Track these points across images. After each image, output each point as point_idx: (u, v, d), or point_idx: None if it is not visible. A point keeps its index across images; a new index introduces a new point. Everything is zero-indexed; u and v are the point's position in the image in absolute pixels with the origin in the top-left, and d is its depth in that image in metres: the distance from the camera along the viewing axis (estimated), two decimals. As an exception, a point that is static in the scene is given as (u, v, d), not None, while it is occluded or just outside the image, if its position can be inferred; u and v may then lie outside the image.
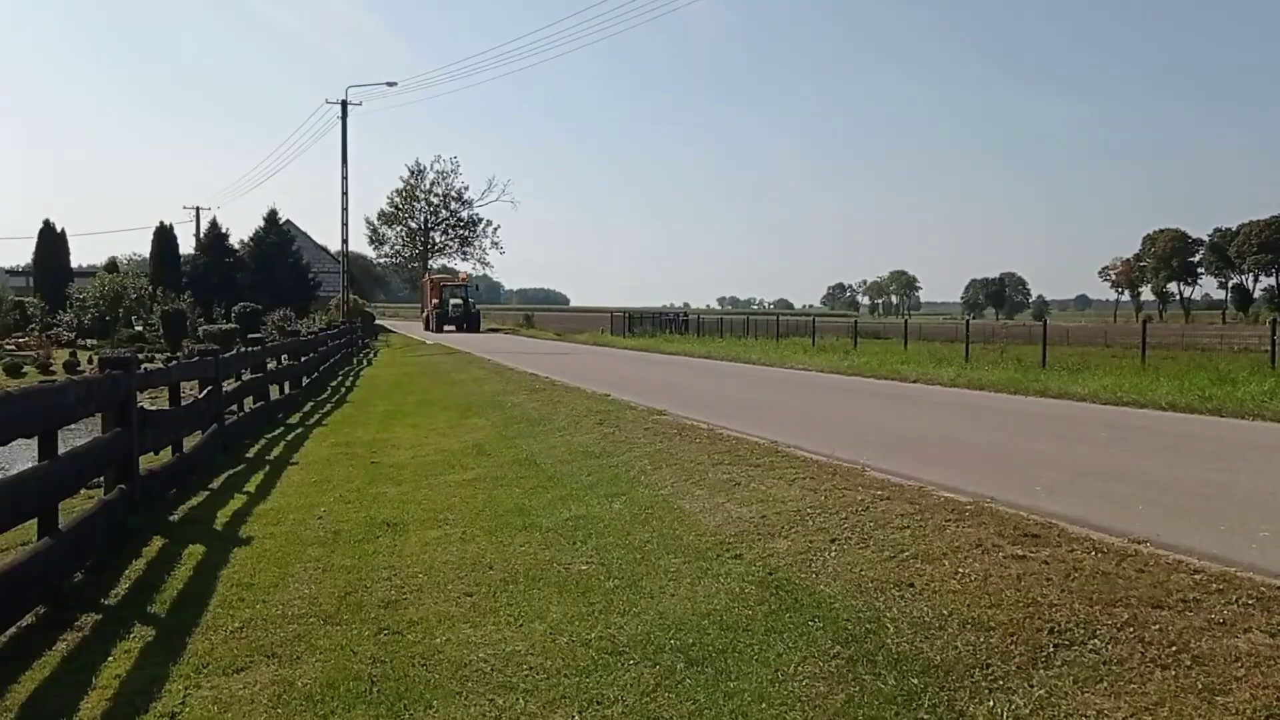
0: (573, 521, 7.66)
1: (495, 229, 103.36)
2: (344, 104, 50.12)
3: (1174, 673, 3.81)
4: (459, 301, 64.13)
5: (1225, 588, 4.65)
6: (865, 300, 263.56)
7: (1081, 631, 4.29)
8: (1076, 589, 4.80)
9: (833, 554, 5.91)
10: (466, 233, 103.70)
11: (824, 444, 9.76)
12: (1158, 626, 4.24)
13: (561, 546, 7.00)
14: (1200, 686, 3.68)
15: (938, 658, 4.26)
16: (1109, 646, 4.11)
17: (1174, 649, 4.00)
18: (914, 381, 19.24)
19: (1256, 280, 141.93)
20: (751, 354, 30.19)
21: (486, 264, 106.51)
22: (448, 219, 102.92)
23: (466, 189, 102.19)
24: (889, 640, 4.52)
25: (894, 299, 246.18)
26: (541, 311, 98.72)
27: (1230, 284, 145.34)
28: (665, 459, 9.59)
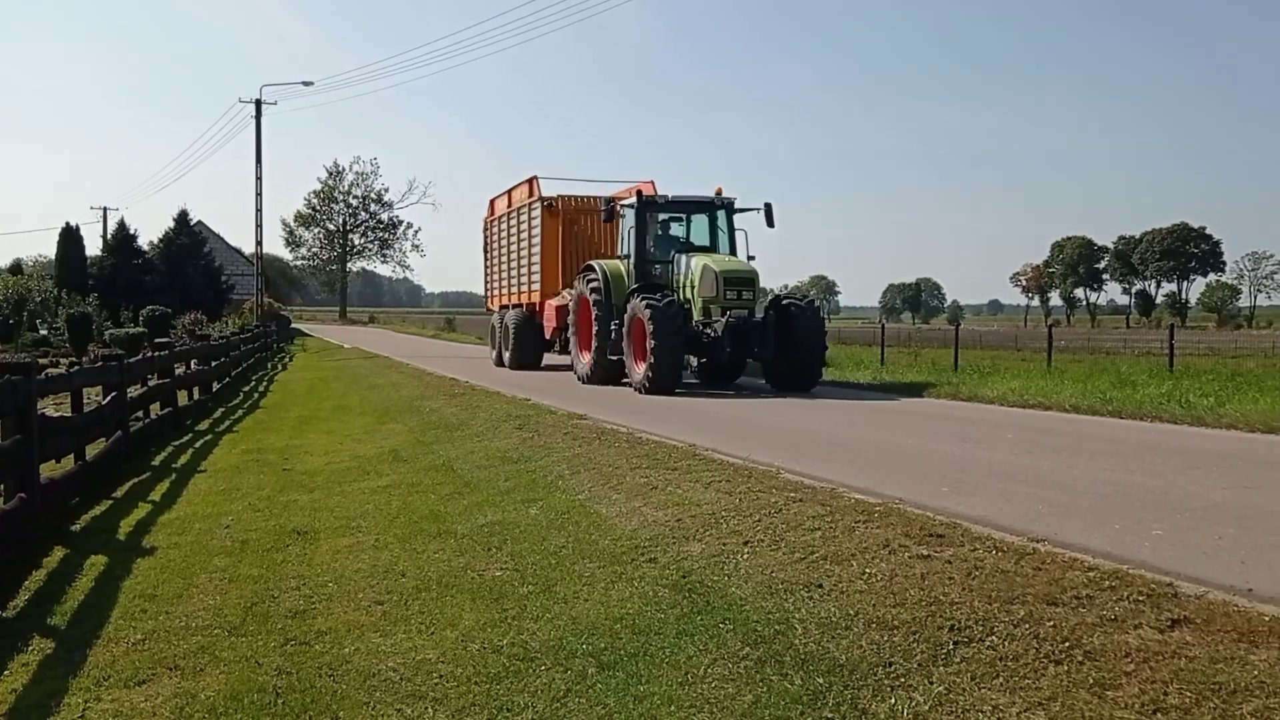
0: (488, 527, 7.64)
1: (416, 231, 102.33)
2: (258, 103, 49.15)
3: (1067, 668, 3.95)
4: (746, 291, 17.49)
5: (1117, 585, 4.82)
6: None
7: (980, 628, 4.41)
8: (977, 587, 4.94)
9: (745, 556, 5.98)
10: (386, 235, 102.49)
11: (741, 447, 9.86)
12: (1052, 623, 4.38)
13: (476, 553, 6.97)
14: (1091, 681, 3.82)
15: (843, 657, 4.35)
16: (1006, 643, 4.23)
17: (1067, 645, 4.14)
18: (832, 384, 19.52)
19: (1159, 286, 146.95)
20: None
21: (406, 267, 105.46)
22: (367, 221, 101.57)
23: (387, 191, 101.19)
24: (797, 641, 4.60)
25: (815, 303, 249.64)
26: (464, 314, 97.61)
27: (1134, 290, 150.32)
28: (584, 463, 9.60)
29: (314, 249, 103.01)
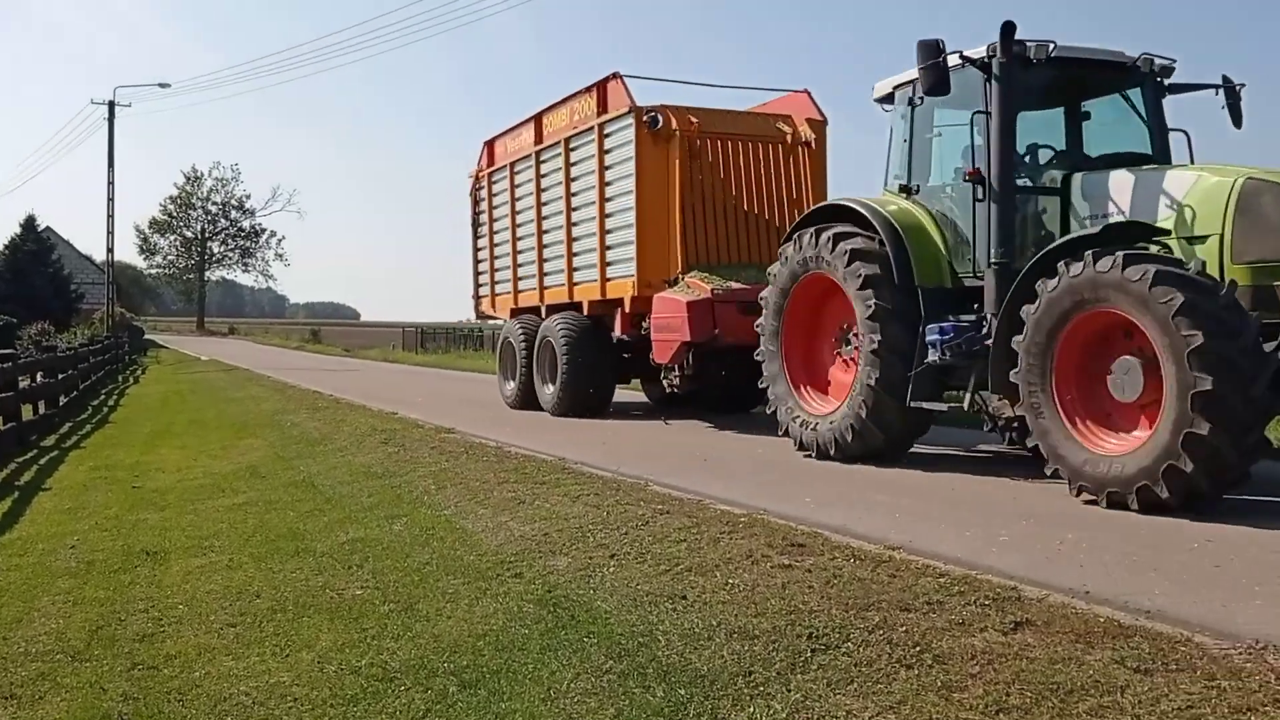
0: (349, 545, 7.47)
1: (280, 240, 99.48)
2: (111, 105, 47.20)
3: (917, 672, 4.07)
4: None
5: (966, 589, 5.01)
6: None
7: (837, 636, 4.51)
8: (835, 595, 5.06)
9: (611, 569, 5.99)
10: (248, 243, 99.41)
11: (612, 460, 9.89)
12: (904, 628, 4.51)
13: (336, 571, 6.81)
14: (939, 684, 3.95)
15: (705, 667, 4.39)
16: (860, 649, 4.34)
17: (918, 649, 4.27)
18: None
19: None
20: (544, 370, 30.17)
21: (269, 276, 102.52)
22: (227, 228, 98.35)
23: (249, 198, 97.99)
24: (660, 653, 4.62)
25: None
26: (330, 326, 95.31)
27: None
28: (450, 478, 9.48)
29: (170, 257, 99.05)
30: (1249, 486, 7.16)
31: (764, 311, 10.44)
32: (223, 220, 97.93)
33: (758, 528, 6.60)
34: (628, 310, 13.52)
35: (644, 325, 13.09)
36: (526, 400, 15.54)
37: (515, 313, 17.04)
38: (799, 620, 4.76)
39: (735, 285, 12.10)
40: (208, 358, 44.16)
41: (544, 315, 15.64)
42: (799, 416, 10.05)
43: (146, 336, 65.95)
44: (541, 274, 15.92)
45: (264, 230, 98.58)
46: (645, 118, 12.91)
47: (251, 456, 12.80)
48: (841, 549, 5.97)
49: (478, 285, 19.06)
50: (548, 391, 14.86)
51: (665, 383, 13.63)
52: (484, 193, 18.17)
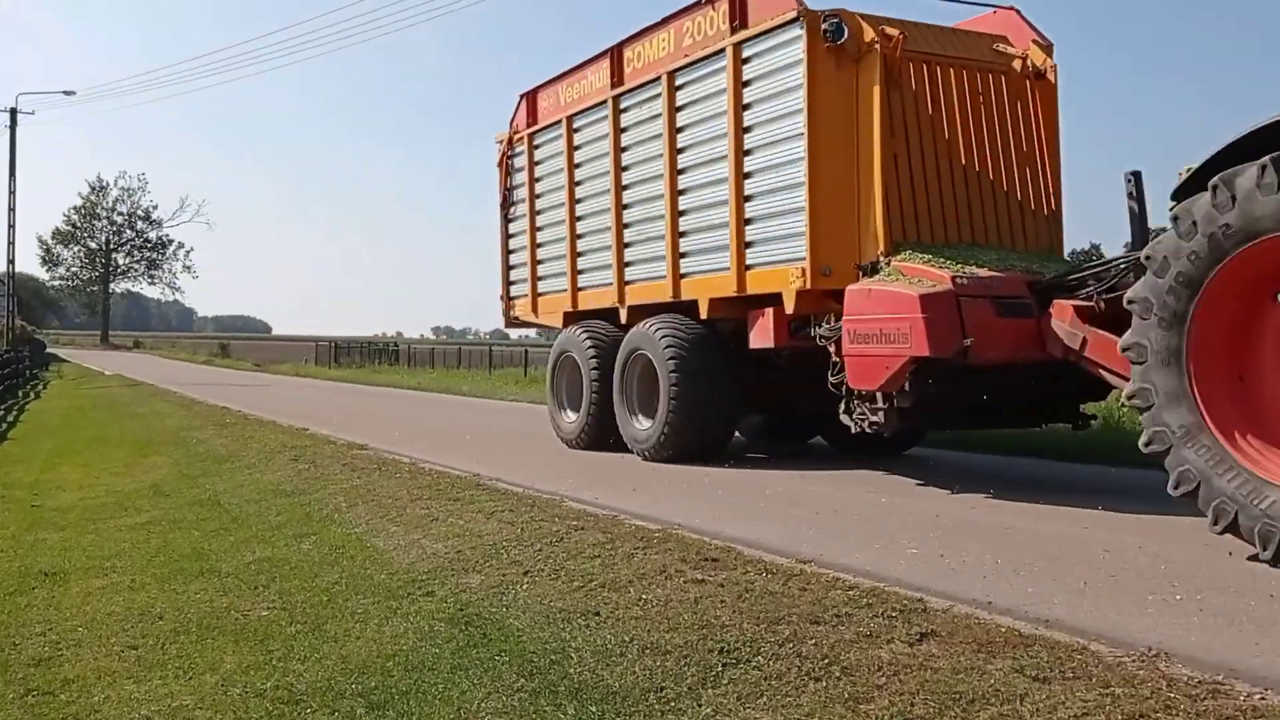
0: (256, 565, 7.31)
1: (188, 252, 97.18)
2: (13, 112, 45.62)
3: (825, 684, 4.12)
4: None
5: (874, 601, 5.09)
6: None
7: (748, 650, 4.55)
8: (746, 609, 5.10)
9: (525, 586, 5.96)
10: (155, 255, 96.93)
11: (526, 476, 9.84)
12: (814, 641, 4.57)
13: (242, 592, 6.66)
14: (847, 696, 4.00)
15: (616, 684, 4.38)
16: (770, 662, 4.39)
17: (826, 662, 4.33)
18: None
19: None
20: (463, 385, 29.99)
21: (177, 289, 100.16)
22: (133, 240, 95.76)
23: (156, 208, 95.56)
24: (572, 670, 4.60)
25: None
26: (240, 340, 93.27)
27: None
28: (362, 495, 9.34)
29: (73, 268, 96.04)
30: (1149, 498, 7.42)
31: (1142, 320, 6.18)
32: (128, 231, 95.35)
33: (672, 543, 6.62)
34: (790, 310, 9.45)
35: (818, 333, 9.17)
36: (599, 437, 11.65)
37: (574, 318, 12.77)
38: (710, 635, 4.79)
39: (984, 272, 8.33)
40: (112, 372, 42.85)
41: (624, 320, 11.63)
42: (1263, 498, 5.56)
43: (48, 350, 63.75)
44: (621, 264, 11.69)
45: (171, 241, 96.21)
46: (825, 25, 8.90)
47: (156, 474, 12.45)
48: (754, 563, 6.03)
49: (509, 284, 14.59)
50: (641, 427, 11.02)
51: (853, 418, 8.90)
52: (521, 159, 13.75)
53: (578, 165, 12.57)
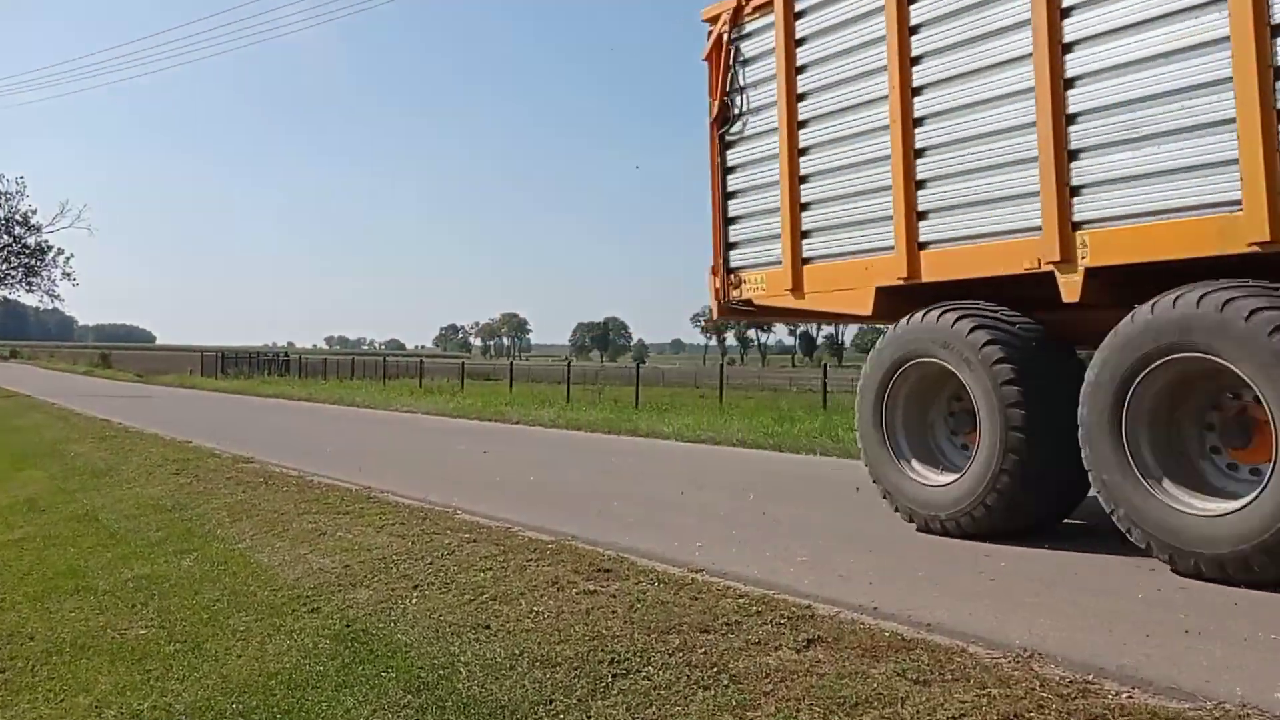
0: (134, 582, 7.04)
1: (68, 258, 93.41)
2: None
3: (713, 692, 4.14)
4: None
5: (764, 609, 5.14)
6: (477, 341, 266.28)
7: (638, 660, 4.55)
8: (638, 619, 5.10)
9: (414, 600, 5.86)
10: (33, 261, 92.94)
11: (418, 488, 9.69)
12: (703, 650, 4.59)
13: (119, 610, 6.41)
14: (735, 704, 4.03)
15: (506, 698, 4.33)
16: (660, 672, 4.39)
17: (715, 670, 4.35)
18: (516, 423, 19.70)
19: (819, 328, 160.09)
20: (357, 396, 29.43)
21: (56, 296, 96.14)
22: (10, 245, 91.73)
23: (34, 213, 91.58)
24: (461, 685, 4.54)
25: (505, 340, 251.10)
26: (122, 350, 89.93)
27: (798, 331, 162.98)
28: (247, 510, 9.07)
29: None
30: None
31: None
32: (5, 236, 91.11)
33: (564, 554, 6.59)
34: None
35: None
36: (1012, 513, 6.86)
37: (908, 297, 7.61)
38: (601, 646, 4.77)
39: None
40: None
41: (1075, 295, 6.44)
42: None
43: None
44: (1062, 187, 6.45)
45: (51, 248, 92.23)
46: None
47: (31, 489, 11.93)
48: (647, 573, 6.03)
49: (728, 248, 9.36)
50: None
51: None
52: (766, 38, 8.69)
53: (917, 27, 7.38)
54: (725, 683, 4.23)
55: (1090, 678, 4.12)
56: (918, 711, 3.81)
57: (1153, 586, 5.61)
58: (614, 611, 5.28)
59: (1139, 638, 4.68)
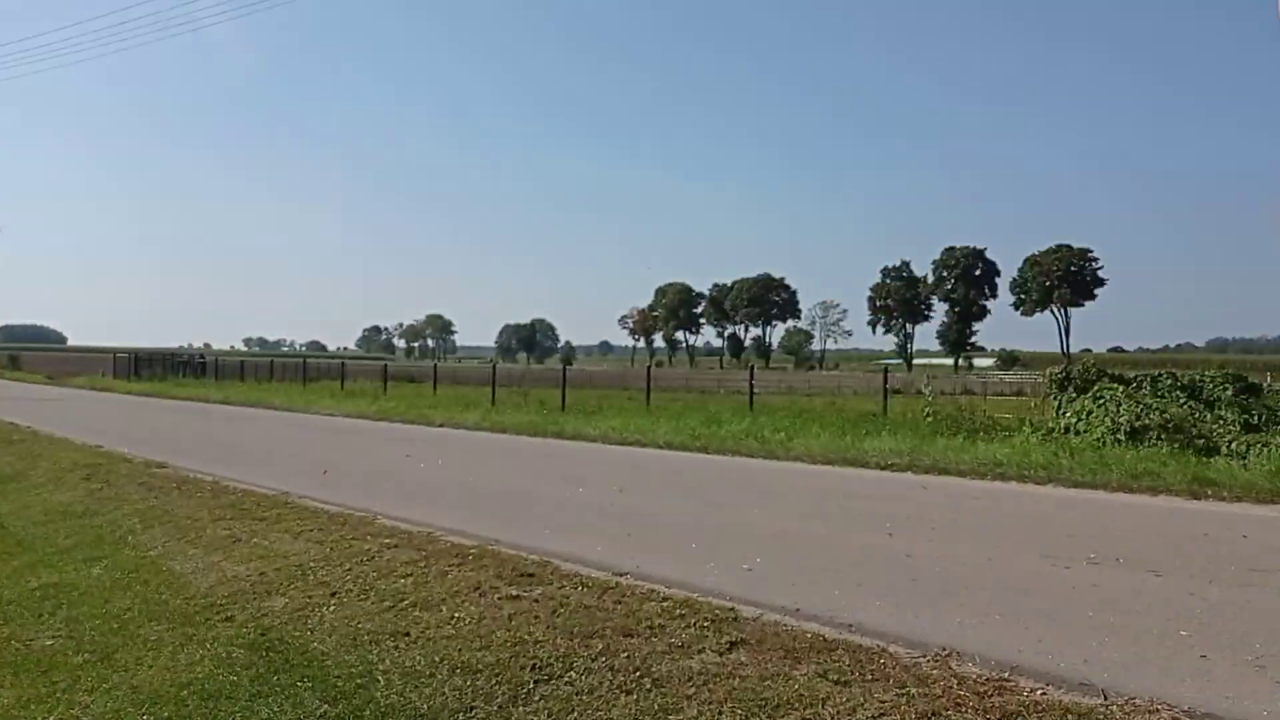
0: (41, 591, 6.79)
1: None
2: None
3: (636, 696, 4.12)
4: None
5: (687, 612, 5.14)
6: (402, 343, 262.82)
7: (561, 665, 4.51)
8: (561, 624, 5.06)
9: (331, 608, 5.74)
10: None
11: (338, 493, 9.52)
12: (626, 654, 4.57)
13: (24, 620, 6.17)
14: (657, 708, 4.01)
15: (425, 706, 4.26)
16: (583, 677, 4.35)
17: (638, 674, 4.33)
18: (440, 426, 19.47)
19: (747, 330, 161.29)
20: (275, 399, 28.82)
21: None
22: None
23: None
24: (379, 694, 4.45)
25: (430, 342, 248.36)
26: (32, 351, 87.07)
27: (726, 333, 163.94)
28: (159, 516, 8.81)
29: None
30: (953, 505, 7.77)
31: None
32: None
33: (487, 559, 6.52)
34: None
35: None
36: None
37: None
38: (524, 651, 4.72)
39: None
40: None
41: None
42: None
43: None
44: None
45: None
46: None
47: (-73, 497, 11.40)
48: (571, 577, 5.99)
49: None
50: None
51: None
52: None
53: None
54: (648, 687, 4.21)
55: (1006, 675, 4.20)
56: (838, 712, 3.84)
57: (1068, 585, 5.74)
58: (537, 616, 5.23)
59: (1054, 635, 4.78)
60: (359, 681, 4.60)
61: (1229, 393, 12.71)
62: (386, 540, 7.21)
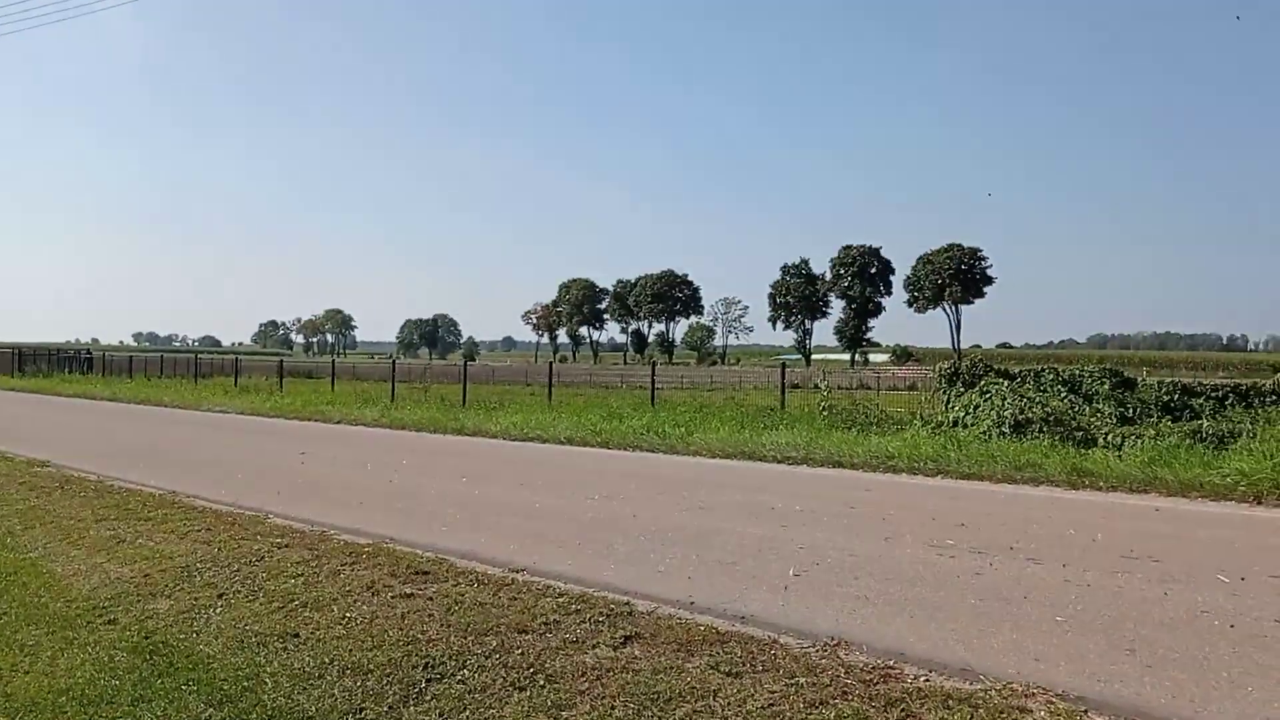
0: (-92, 598, 6.45)
1: None
2: None
3: (529, 693, 4.13)
4: None
5: (583, 607, 5.16)
6: (300, 339, 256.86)
7: (454, 663, 4.48)
8: (455, 622, 5.03)
9: (218, 610, 5.60)
10: None
11: (229, 491, 9.29)
12: (520, 651, 4.57)
13: (-113, 630, 5.85)
14: (550, 704, 4.02)
15: (314, 708, 4.19)
16: (476, 675, 4.34)
17: (532, 670, 4.34)
18: (338, 423, 19.14)
19: (651, 326, 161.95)
20: (166, 395, 27.94)
21: None
22: None
23: None
24: (266, 696, 4.36)
25: (330, 337, 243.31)
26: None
27: (630, 329, 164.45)
28: (40, 516, 8.47)
29: None
30: (850, 496, 7.95)
31: None
32: None
33: (381, 557, 6.44)
34: None
35: None
36: None
37: None
38: (416, 650, 4.68)
39: None
40: None
41: None
42: None
43: None
44: None
45: None
46: None
47: None
48: (466, 574, 5.96)
49: None
50: None
51: None
52: None
53: None
54: (541, 683, 4.22)
55: (892, 663, 4.32)
56: (729, 703, 3.90)
57: (954, 574, 5.93)
58: (431, 614, 5.20)
59: (938, 623, 4.93)
60: (246, 684, 4.51)
61: (1106, 387, 13.28)
62: (277, 540, 7.07)
